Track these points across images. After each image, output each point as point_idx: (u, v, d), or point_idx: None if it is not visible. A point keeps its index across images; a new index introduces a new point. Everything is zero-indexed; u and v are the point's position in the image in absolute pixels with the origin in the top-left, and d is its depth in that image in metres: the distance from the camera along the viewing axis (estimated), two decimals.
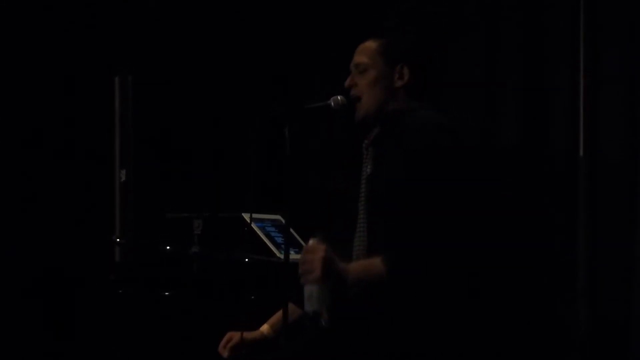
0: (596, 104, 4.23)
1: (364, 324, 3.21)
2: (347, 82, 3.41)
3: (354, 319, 3.22)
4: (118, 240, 4.18)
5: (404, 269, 3.12)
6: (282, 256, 3.80)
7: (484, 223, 3.31)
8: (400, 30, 3.41)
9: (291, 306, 3.21)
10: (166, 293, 4.00)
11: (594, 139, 4.21)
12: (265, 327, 3.45)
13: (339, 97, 3.37)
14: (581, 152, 4.22)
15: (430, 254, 3.11)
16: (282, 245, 3.95)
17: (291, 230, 3.92)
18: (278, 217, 4.15)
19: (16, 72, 4.92)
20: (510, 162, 4.41)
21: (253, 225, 4.01)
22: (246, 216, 3.96)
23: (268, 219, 4.13)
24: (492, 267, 3.54)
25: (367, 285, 3.15)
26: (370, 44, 3.39)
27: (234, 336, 3.43)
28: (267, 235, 4.06)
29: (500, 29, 4.49)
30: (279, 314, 3.41)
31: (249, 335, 3.42)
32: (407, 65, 3.34)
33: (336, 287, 3.12)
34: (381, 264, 3.14)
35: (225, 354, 3.42)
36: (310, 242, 3.18)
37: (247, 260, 3.93)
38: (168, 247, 4.06)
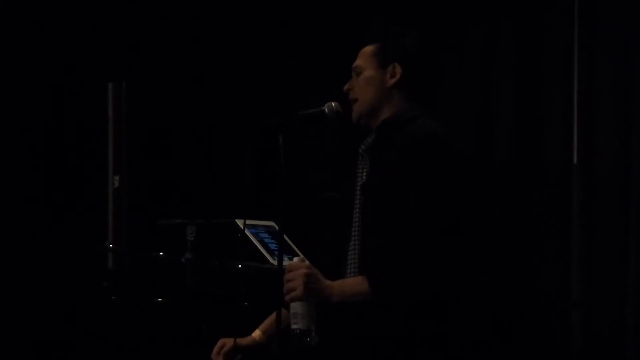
0: (590, 112, 4.24)
1: (351, 338, 3.21)
2: (346, 86, 3.43)
3: (341, 334, 3.22)
4: (111, 246, 4.16)
5: (389, 291, 3.12)
6: (275, 263, 3.79)
7: (476, 236, 3.31)
8: (394, 32, 3.41)
9: (284, 312, 3.20)
10: (159, 300, 3.99)
11: (588, 147, 4.22)
12: (257, 333, 3.45)
13: (333, 104, 3.37)
14: (575, 160, 4.23)
15: (416, 273, 3.11)
16: (276, 252, 3.95)
17: (285, 236, 3.91)
18: (272, 223, 4.14)
19: (9, 79, 4.92)
20: (505, 171, 4.41)
21: (246, 232, 4.00)
22: (240, 222, 3.95)
23: (262, 226, 4.13)
24: (484, 280, 3.53)
25: (351, 303, 3.16)
26: (367, 48, 3.42)
27: (227, 342, 3.42)
28: (261, 241, 4.05)
29: (495, 39, 4.50)
30: (270, 319, 3.41)
31: (241, 341, 3.41)
32: (400, 63, 3.34)
33: (320, 304, 3.14)
34: (366, 283, 3.15)
35: None
36: (294, 260, 3.20)
37: (240, 266, 3.92)
38: (161, 254, 4.05)
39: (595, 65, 4.26)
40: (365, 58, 3.40)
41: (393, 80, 3.35)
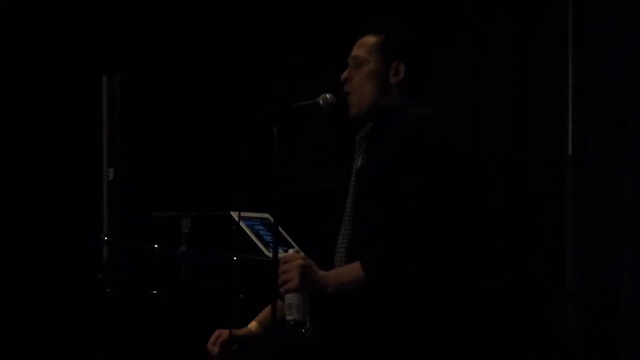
0: (585, 104, 4.24)
1: (347, 327, 3.21)
2: (343, 75, 3.42)
3: (337, 324, 3.22)
4: (106, 239, 4.16)
5: (384, 275, 3.12)
6: (270, 255, 3.80)
7: (470, 223, 3.31)
8: (398, 27, 3.41)
9: (279, 304, 3.21)
10: (154, 292, 3.98)
11: (582, 139, 4.22)
12: (253, 324, 3.45)
13: (327, 96, 3.38)
14: (570, 152, 4.23)
15: (411, 259, 3.11)
16: (271, 244, 3.94)
17: (280, 228, 3.91)
18: (267, 215, 4.14)
19: (3, 71, 4.91)
20: (500, 162, 4.40)
21: (241, 224, 3.99)
22: (234, 215, 3.95)
23: (257, 218, 4.12)
24: (477, 269, 3.54)
25: (347, 292, 3.16)
26: (369, 39, 3.41)
27: (223, 333, 3.42)
28: (256, 233, 4.05)
29: (489, 30, 4.49)
30: (266, 311, 3.41)
31: (237, 331, 3.42)
32: (403, 62, 3.35)
33: (316, 295, 3.14)
34: (360, 270, 3.15)
35: (214, 350, 3.42)
36: (289, 251, 3.21)
37: (235, 258, 3.92)
38: (156, 246, 4.05)
39: (590, 56, 4.25)
40: (367, 50, 3.39)
41: (396, 79, 3.35)
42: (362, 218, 3.27)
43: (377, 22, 3.44)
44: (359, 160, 3.38)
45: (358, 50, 3.41)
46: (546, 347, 4.21)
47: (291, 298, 3.14)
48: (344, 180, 3.42)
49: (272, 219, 4.02)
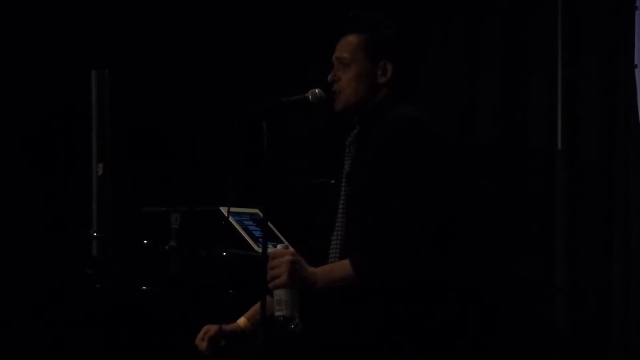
0: (574, 98, 4.25)
1: (336, 324, 3.21)
2: (330, 77, 3.38)
3: (326, 320, 3.23)
4: (95, 234, 4.16)
5: (373, 273, 3.12)
6: (260, 250, 3.80)
7: (460, 220, 3.31)
8: (382, 24, 3.36)
9: (269, 299, 3.20)
10: (143, 287, 3.98)
11: (572, 133, 4.23)
12: (242, 320, 3.44)
13: (316, 90, 3.36)
14: (559, 146, 4.24)
15: (401, 257, 3.11)
16: (260, 239, 3.95)
17: (269, 224, 3.91)
18: (256, 210, 4.14)
19: None
20: (490, 157, 4.41)
21: (231, 219, 4.00)
22: (224, 210, 3.95)
23: (246, 213, 4.13)
24: (468, 265, 3.54)
25: (336, 289, 3.16)
26: (353, 39, 3.34)
27: (211, 328, 3.42)
28: (245, 229, 4.06)
29: (480, 25, 4.50)
30: (255, 307, 3.41)
31: (226, 327, 3.41)
32: (390, 61, 3.32)
33: (304, 291, 3.14)
34: (350, 268, 3.15)
35: (203, 345, 3.41)
36: (278, 247, 3.21)
37: (225, 254, 3.92)
38: (145, 241, 4.05)
39: (580, 51, 4.27)
40: (352, 50, 3.33)
41: (384, 79, 3.32)
42: (354, 220, 3.27)
43: (360, 18, 3.38)
44: (349, 164, 3.38)
45: (342, 51, 3.35)
46: (537, 341, 4.23)
47: (280, 294, 3.14)
48: (334, 179, 3.42)
49: (261, 215, 4.03)
